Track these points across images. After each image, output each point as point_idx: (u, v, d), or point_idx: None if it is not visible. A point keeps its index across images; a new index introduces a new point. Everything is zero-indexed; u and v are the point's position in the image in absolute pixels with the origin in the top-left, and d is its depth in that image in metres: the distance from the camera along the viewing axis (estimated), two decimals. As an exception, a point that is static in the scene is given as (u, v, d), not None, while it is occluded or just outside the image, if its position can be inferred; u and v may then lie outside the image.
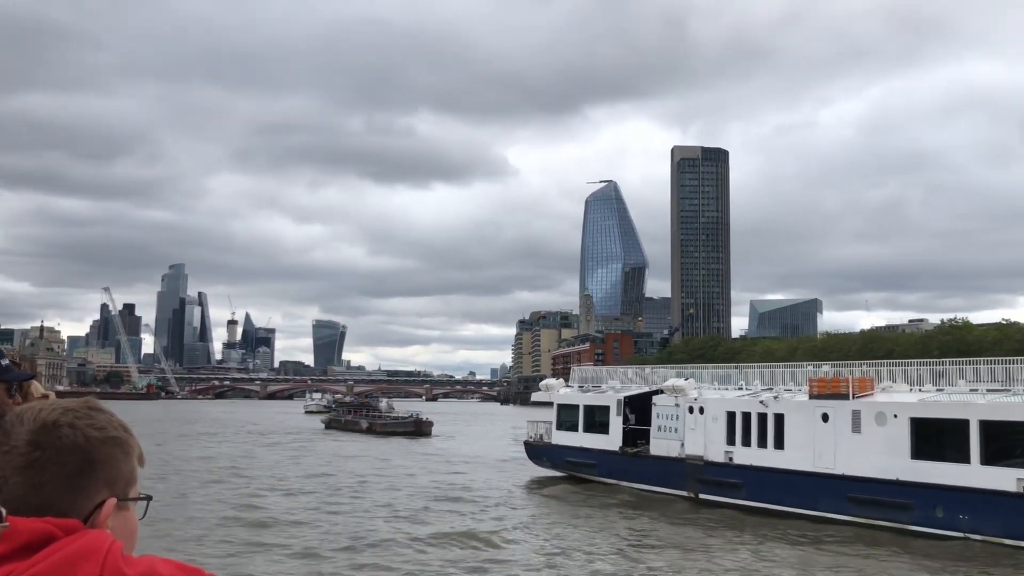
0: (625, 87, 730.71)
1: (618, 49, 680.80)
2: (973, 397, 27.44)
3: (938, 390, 29.74)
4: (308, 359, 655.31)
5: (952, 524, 26.02)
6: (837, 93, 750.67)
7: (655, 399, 37.53)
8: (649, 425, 37.64)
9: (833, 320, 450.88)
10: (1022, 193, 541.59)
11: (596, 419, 40.60)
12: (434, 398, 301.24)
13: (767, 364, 41.39)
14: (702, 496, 34.05)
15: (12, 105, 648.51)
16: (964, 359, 31.44)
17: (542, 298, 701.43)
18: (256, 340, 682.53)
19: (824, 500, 29.36)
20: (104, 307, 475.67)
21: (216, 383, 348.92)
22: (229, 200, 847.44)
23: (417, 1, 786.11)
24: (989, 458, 25.72)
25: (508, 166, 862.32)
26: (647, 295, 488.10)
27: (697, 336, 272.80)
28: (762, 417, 32.50)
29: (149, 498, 1.87)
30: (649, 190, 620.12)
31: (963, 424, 26.27)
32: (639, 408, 38.87)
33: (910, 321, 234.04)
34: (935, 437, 27.43)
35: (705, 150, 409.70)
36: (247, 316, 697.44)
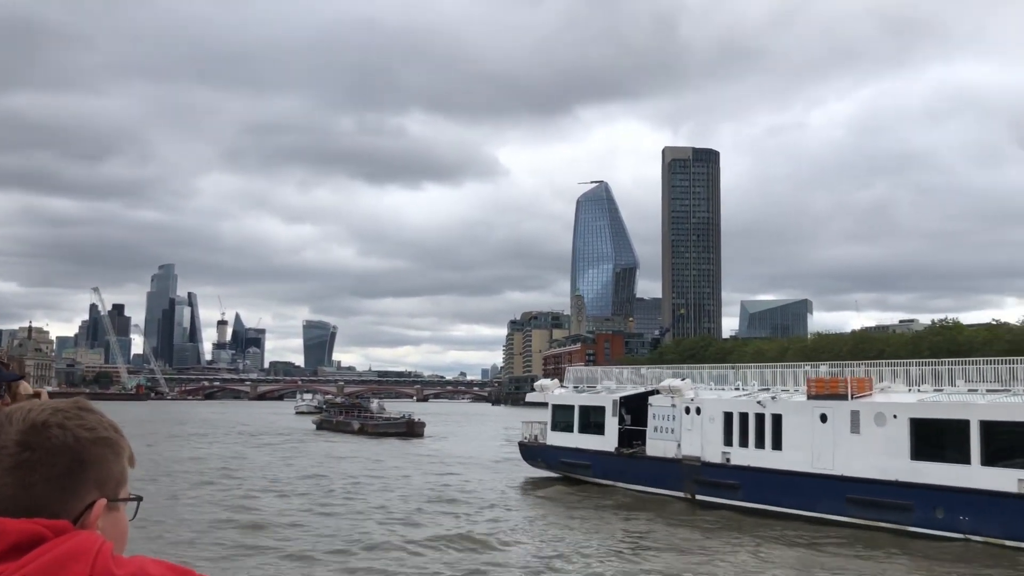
0: (616, 88, 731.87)
1: (609, 50, 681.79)
2: (973, 397, 27.27)
3: (936, 390, 29.58)
4: (298, 360, 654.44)
5: (952, 525, 25.84)
6: (827, 94, 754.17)
7: (651, 399, 37.28)
8: (645, 426, 37.39)
9: (823, 320, 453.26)
10: (1011, 194, 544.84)
11: (591, 420, 40.33)
12: (425, 399, 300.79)
13: (764, 364, 41.25)
14: (699, 497, 33.81)
15: (1, 104, 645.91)
16: (964, 359, 31.25)
17: (533, 298, 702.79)
18: (246, 340, 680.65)
19: (823, 501, 29.15)
20: (93, 307, 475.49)
21: (206, 384, 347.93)
22: (219, 200, 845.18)
23: (408, 1, 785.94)
24: (989, 459, 25.55)
25: (499, 166, 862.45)
26: (638, 295, 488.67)
27: (688, 336, 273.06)
28: (760, 418, 32.28)
29: (140, 499, 1.85)
30: (640, 191, 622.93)
31: (963, 424, 26.10)
32: (635, 409, 38.62)
33: (901, 322, 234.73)
34: (935, 438, 27.25)
35: (696, 151, 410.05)
36: (237, 316, 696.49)
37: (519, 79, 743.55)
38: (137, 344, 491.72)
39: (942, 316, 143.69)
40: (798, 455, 30.55)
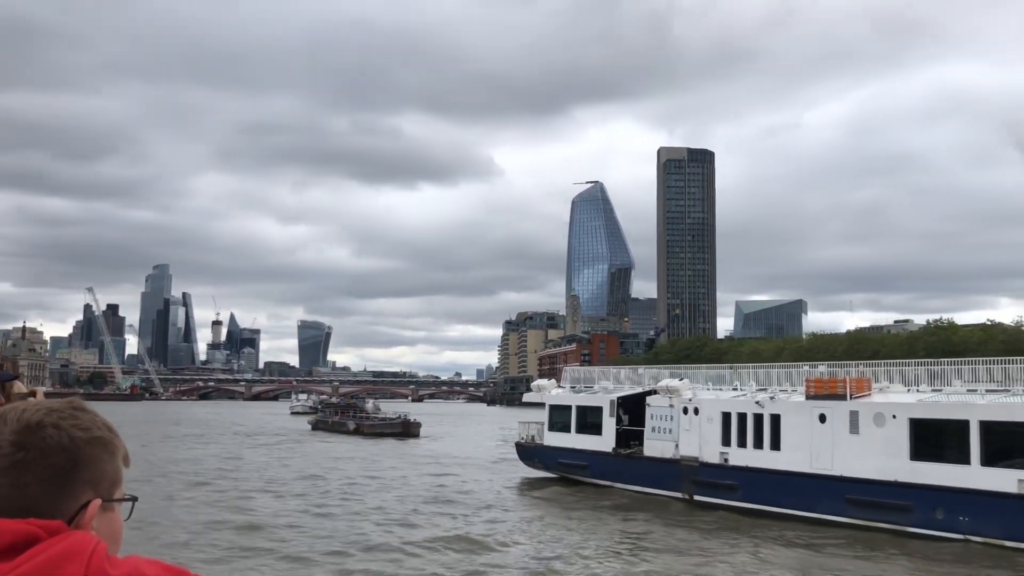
0: (611, 88, 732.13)
1: (604, 50, 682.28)
2: (972, 398, 27.18)
3: (934, 390, 29.49)
4: (293, 360, 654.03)
5: (952, 526, 25.74)
6: (822, 95, 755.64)
7: (649, 400, 37.15)
8: (642, 426, 37.26)
9: (817, 321, 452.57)
10: (1005, 195, 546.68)
11: (589, 420, 40.18)
12: (420, 399, 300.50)
13: (761, 364, 41.11)
14: (697, 498, 33.68)
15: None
16: (964, 359, 31.14)
17: (528, 299, 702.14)
18: (241, 341, 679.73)
19: (822, 502, 29.04)
20: (87, 308, 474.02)
21: (200, 384, 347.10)
22: (214, 200, 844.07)
23: (403, 1, 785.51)
24: (989, 459, 25.45)
25: (494, 167, 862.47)
26: (633, 296, 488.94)
27: (683, 337, 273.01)
28: (758, 418, 32.17)
29: (134, 499, 1.84)
30: (635, 191, 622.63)
31: (963, 425, 26.00)
32: (632, 409, 38.48)
33: (896, 322, 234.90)
34: (934, 438, 27.15)
35: (691, 151, 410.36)
36: (232, 317, 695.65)
37: (514, 79, 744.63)
38: (131, 344, 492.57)
39: (936, 316, 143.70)
40: (797, 455, 30.44)
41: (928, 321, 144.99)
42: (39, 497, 1.68)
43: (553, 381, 48.26)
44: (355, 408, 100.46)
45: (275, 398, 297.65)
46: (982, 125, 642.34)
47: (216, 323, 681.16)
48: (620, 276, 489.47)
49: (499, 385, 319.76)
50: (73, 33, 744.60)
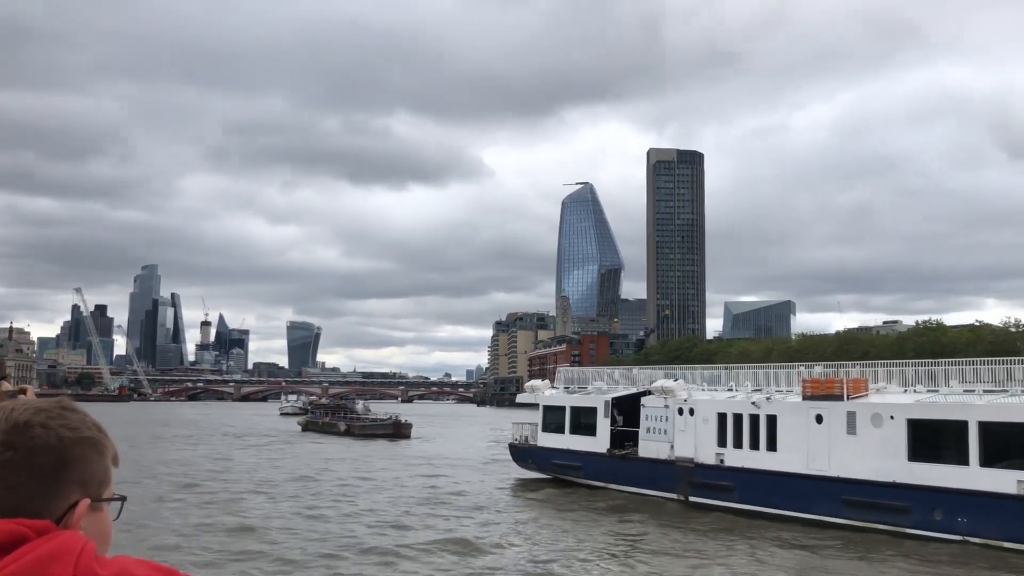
0: (601, 89, 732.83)
1: (594, 51, 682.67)
2: (971, 398, 27.02)
3: (929, 391, 29.33)
4: (282, 361, 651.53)
5: (951, 527, 25.57)
6: (810, 97, 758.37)
7: (644, 400, 36.91)
8: (637, 427, 37.02)
9: (806, 322, 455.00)
10: (992, 197, 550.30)
11: (583, 421, 39.93)
12: (410, 400, 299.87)
13: (757, 365, 40.96)
14: (692, 499, 33.47)
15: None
16: (962, 360, 30.97)
17: (518, 299, 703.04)
18: (230, 341, 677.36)
19: (818, 503, 28.85)
20: (75, 308, 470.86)
21: (189, 385, 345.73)
22: (203, 201, 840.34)
23: (393, 2, 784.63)
24: (988, 460, 25.30)
25: (484, 167, 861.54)
26: (623, 296, 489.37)
27: (673, 337, 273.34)
28: (754, 418, 31.97)
29: (123, 499, 1.83)
30: (625, 192, 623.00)
31: (962, 425, 25.84)
32: (627, 409, 38.24)
33: (885, 323, 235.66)
34: (933, 439, 27.00)
35: (680, 152, 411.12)
36: (221, 317, 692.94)
37: (504, 80, 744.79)
38: (120, 345, 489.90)
39: (925, 317, 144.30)
40: (793, 456, 30.25)
41: (917, 322, 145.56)
42: (27, 497, 1.67)
43: (547, 382, 47.97)
44: (345, 409, 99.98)
45: (264, 399, 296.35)
46: (970, 127, 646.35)
47: (205, 324, 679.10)
48: (610, 277, 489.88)
49: (489, 386, 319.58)
50: (62, 33, 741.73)
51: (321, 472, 46.93)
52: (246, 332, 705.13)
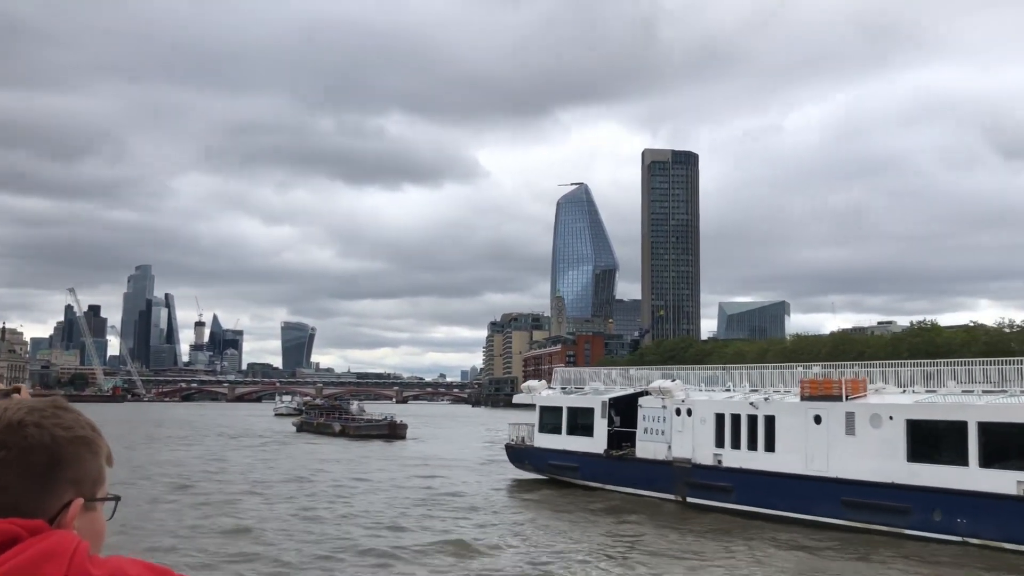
0: (595, 90, 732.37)
1: (588, 52, 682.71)
2: (970, 399, 26.93)
3: (927, 391, 29.25)
4: (276, 361, 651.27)
5: (950, 528, 25.48)
6: (804, 98, 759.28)
7: (641, 401, 36.78)
8: (634, 427, 36.88)
9: (800, 322, 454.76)
10: (984, 198, 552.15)
11: (580, 421, 39.77)
12: (404, 400, 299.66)
13: (754, 365, 40.84)
14: (690, 500, 33.35)
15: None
16: (961, 360, 30.91)
17: (513, 300, 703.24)
18: (224, 342, 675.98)
19: (817, 504, 28.74)
20: (69, 308, 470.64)
21: (183, 385, 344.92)
22: (197, 201, 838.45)
23: (387, 3, 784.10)
24: (988, 460, 25.21)
25: (479, 168, 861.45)
26: (617, 297, 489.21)
27: (667, 338, 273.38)
28: (752, 419, 31.86)
29: (117, 498, 1.83)
30: (620, 193, 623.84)
31: (961, 426, 25.74)
32: (624, 410, 38.09)
33: (879, 323, 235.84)
34: (932, 439, 26.91)
35: (675, 153, 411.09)
36: (215, 318, 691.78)
37: (498, 81, 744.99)
38: (113, 346, 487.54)
39: (919, 318, 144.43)
40: (792, 457, 30.14)
41: (912, 323, 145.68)
42: (20, 496, 1.66)
43: (544, 382, 47.79)
44: (340, 410, 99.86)
45: (258, 399, 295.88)
46: (963, 128, 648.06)
47: (199, 324, 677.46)
48: (605, 277, 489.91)
49: (484, 386, 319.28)
50: (55, 32, 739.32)
51: (317, 473, 46.72)
52: (240, 333, 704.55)
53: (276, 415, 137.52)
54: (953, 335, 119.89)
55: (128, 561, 1.68)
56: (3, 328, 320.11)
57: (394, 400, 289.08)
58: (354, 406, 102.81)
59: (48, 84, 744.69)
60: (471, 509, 33.42)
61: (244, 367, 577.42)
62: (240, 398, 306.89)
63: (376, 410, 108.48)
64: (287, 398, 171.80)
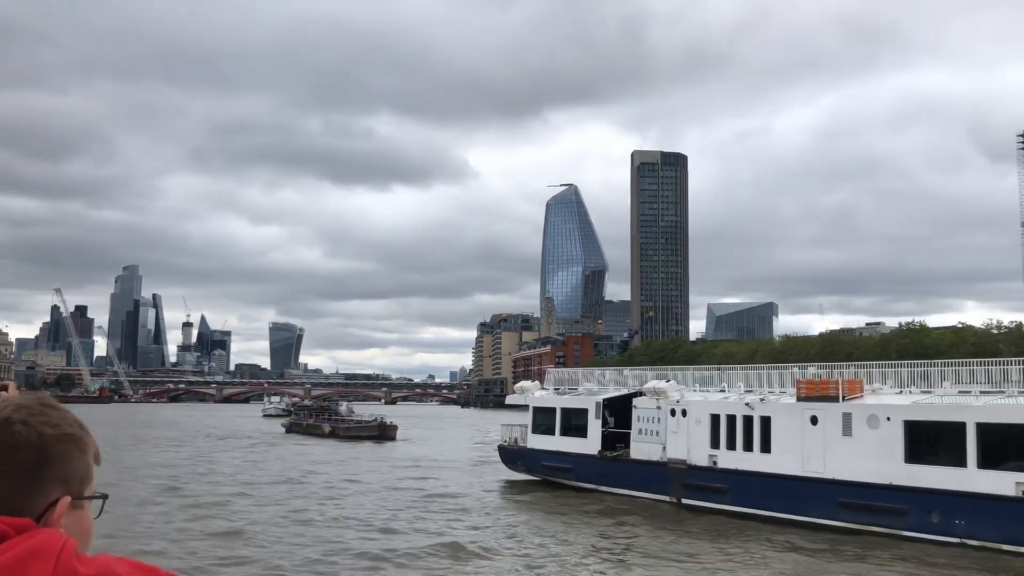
0: (585, 91, 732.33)
1: (578, 53, 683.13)
2: (968, 399, 26.76)
3: (923, 392, 29.09)
4: (264, 362, 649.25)
5: (948, 530, 25.32)
6: (792, 100, 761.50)
7: (635, 401, 36.54)
8: (629, 428, 36.63)
9: (788, 323, 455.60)
10: (971, 199, 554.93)
11: (573, 422, 39.50)
12: (393, 401, 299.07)
13: (750, 365, 40.68)
14: (685, 501, 33.11)
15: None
16: (960, 360, 30.78)
17: (503, 301, 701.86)
18: (211, 343, 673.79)
19: (814, 505, 28.55)
20: (55, 309, 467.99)
21: (171, 386, 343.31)
22: (185, 201, 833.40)
23: (376, 3, 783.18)
24: (987, 461, 25.04)
25: (468, 168, 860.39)
26: (607, 298, 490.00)
27: (656, 339, 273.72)
28: (748, 420, 31.64)
29: (105, 496, 1.83)
30: (609, 194, 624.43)
31: (959, 427, 25.58)
32: (618, 411, 37.84)
33: (867, 324, 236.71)
34: (930, 440, 26.75)
35: (664, 155, 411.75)
36: (203, 318, 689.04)
37: (488, 82, 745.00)
38: (100, 346, 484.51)
39: (907, 319, 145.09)
40: (788, 458, 29.94)
41: (900, 324, 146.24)
42: (7, 494, 1.66)
43: (536, 383, 47.51)
44: (329, 411, 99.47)
45: (246, 400, 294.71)
46: (950, 130, 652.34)
47: (187, 325, 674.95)
48: (594, 278, 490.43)
49: (473, 387, 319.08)
50: (42, 31, 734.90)
51: (307, 475, 46.32)
52: (228, 333, 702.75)
53: (264, 416, 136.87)
54: (941, 336, 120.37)
55: (116, 559, 1.66)
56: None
57: (383, 401, 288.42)
58: (343, 407, 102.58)
59: (35, 83, 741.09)
60: (464, 511, 33.11)
61: (232, 368, 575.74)
62: (228, 399, 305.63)
63: (364, 411, 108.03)
64: (275, 399, 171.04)
